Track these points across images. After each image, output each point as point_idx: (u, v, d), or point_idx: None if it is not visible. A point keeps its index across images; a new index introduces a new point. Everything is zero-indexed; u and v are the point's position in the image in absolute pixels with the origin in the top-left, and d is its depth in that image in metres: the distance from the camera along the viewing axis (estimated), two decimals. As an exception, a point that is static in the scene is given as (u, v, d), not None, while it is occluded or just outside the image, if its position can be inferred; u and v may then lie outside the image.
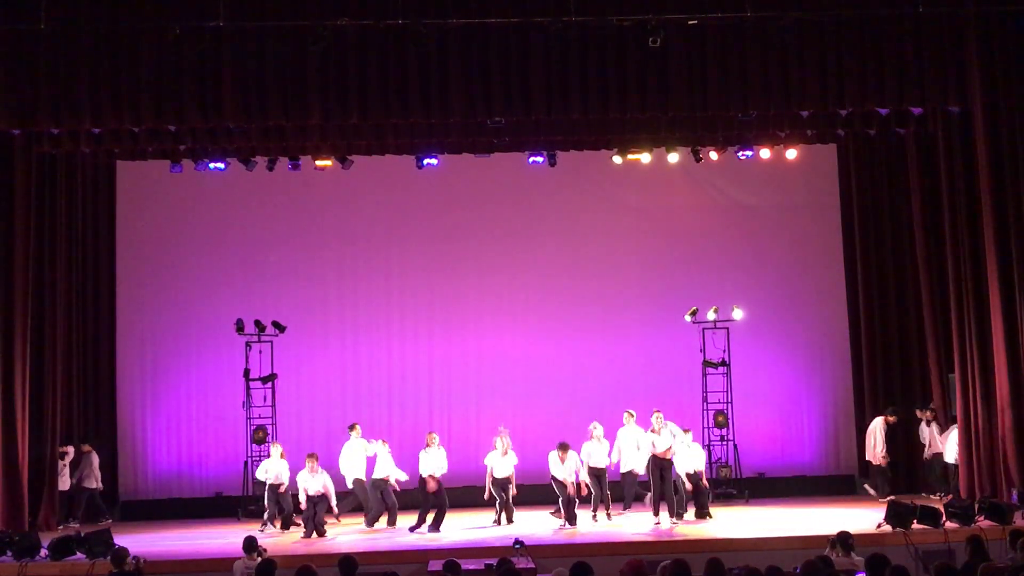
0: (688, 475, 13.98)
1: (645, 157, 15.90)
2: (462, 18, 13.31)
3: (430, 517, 13.81)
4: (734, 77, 13.61)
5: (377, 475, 14.31)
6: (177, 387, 16.71)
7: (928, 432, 15.57)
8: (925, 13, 13.56)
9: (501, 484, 14.17)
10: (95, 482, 15.41)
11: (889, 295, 16.59)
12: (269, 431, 15.72)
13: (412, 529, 13.72)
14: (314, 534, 13.65)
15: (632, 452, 14.72)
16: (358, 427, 14.84)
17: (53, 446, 14.74)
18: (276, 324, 15.97)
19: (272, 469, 14.36)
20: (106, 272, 16.57)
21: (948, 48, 13.75)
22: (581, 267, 17.09)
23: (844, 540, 9.91)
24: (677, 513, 13.84)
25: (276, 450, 14.62)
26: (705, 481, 14.34)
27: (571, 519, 13.74)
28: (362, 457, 14.55)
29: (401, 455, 15.52)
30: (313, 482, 13.89)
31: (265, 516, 14.35)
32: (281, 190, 16.72)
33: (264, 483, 14.44)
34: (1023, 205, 13.65)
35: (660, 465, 13.95)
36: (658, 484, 13.94)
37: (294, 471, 14.34)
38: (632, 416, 14.91)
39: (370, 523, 14.18)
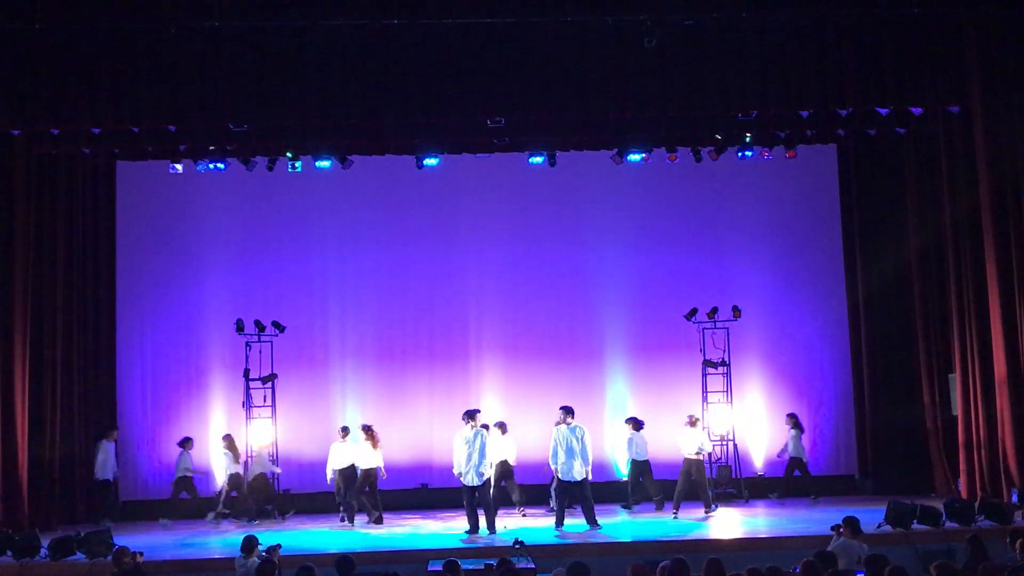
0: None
1: (644, 157, 15.90)
2: (462, 18, 13.31)
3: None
4: (734, 77, 13.62)
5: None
6: (177, 387, 16.69)
7: None
8: (925, 13, 13.57)
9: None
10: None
11: (889, 295, 16.59)
12: (194, 441, 15.90)
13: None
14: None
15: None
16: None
17: (53, 446, 14.75)
18: (276, 324, 15.98)
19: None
20: (106, 272, 16.55)
21: (948, 48, 13.76)
22: (581, 267, 17.08)
23: (853, 524, 10.34)
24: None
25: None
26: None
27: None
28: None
29: (400, 455, 15.62)
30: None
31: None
32: (281, 190, 16.72)
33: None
34: (1022, 205, 13.65)
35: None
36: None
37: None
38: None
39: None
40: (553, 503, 14.12)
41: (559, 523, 13.38)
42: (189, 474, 15.63)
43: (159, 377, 16.69)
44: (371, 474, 14.53)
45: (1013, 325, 13.59)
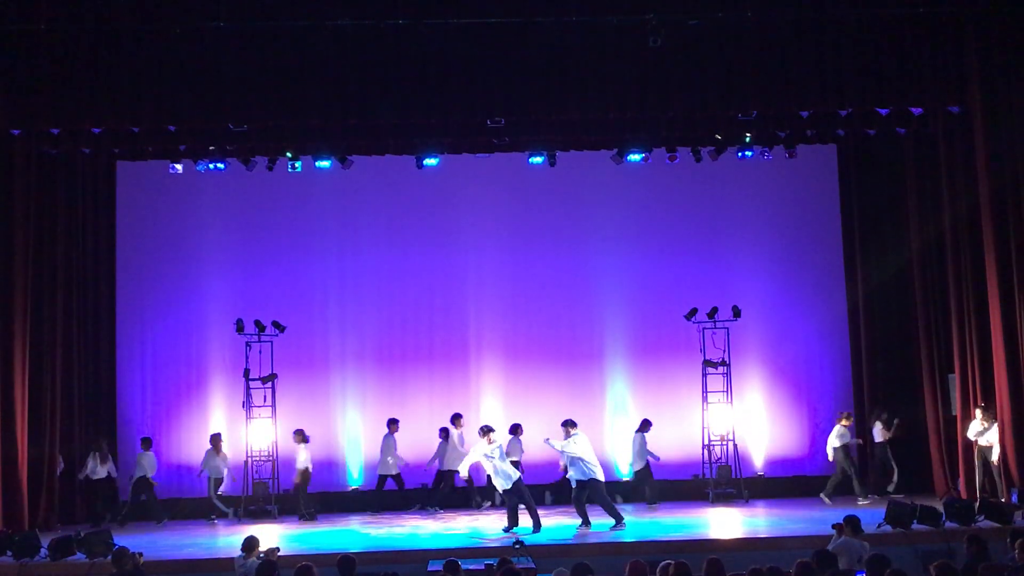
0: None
1: (645, 157, 15.90)
2: (462, 18, 13.31)
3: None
4: (734, 77, 13.63)
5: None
6: (177, 386, 16.69)
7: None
8: (925, 13, 13.57)
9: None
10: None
11: (889, 295, 16.60)
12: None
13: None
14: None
15: None
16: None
17: (52, 446, 14.74)
18: (276, 324, 15.98)
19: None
20: (106, 272, 16.55)
21: (948, 48, 13.76)
22: (581, 267, 17.08)
23: (854, 523, 10.39)
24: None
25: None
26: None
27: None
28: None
29: (400, 455, 15.58)
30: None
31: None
32: (281, 190, 16.72)
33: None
34: (1022, 205, 13.65)
35: None
36: None
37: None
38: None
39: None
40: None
41: (585, 523, 13.48)
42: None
43: (159, 377, 16.68)
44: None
45: (1013, 325, 13.59)
